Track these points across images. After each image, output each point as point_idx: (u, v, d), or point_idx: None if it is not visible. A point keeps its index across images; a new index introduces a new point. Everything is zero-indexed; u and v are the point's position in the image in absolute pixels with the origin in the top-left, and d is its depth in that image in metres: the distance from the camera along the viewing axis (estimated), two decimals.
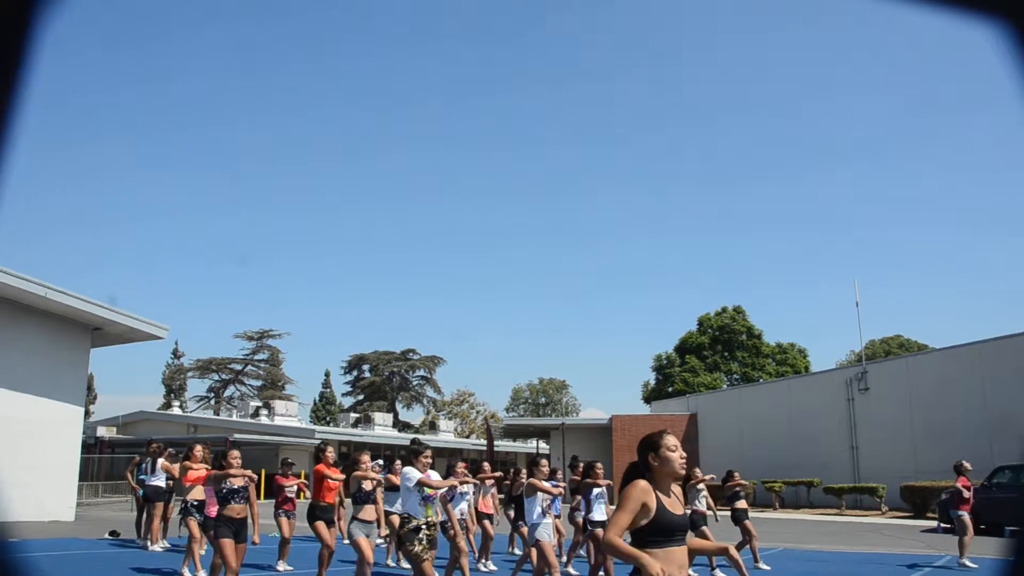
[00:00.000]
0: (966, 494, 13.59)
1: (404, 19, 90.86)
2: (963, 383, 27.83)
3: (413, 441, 8.54)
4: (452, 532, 10.75)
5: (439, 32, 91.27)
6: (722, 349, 53.48)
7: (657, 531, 3.75)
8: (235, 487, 8.30)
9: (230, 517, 8.22)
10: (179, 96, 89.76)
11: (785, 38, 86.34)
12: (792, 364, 52.72)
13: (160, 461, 14.70)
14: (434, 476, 8.05)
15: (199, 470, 11.12)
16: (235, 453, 8.48)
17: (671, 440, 3.92)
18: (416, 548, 7.74)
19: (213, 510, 8.78)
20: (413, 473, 7.88)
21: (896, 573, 13.03)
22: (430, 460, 8.09)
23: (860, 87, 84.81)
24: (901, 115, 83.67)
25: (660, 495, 3.79)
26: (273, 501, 12.65)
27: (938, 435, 27.95)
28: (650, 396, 55.21)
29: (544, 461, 9.84)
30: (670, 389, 51.95)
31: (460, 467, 11.65)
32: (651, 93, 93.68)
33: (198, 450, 11.54)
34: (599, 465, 11.04)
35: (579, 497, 11.62)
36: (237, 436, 36.64)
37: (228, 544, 8.08)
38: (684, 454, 3.92)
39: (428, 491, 7.83)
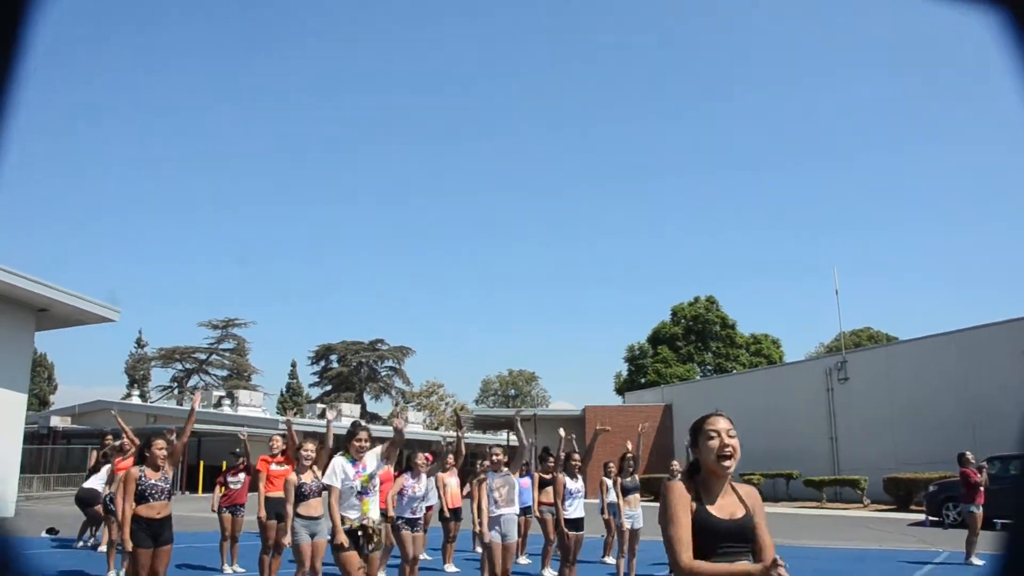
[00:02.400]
0: (978, 485, 12.86)
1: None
2: (943, 372, 27.29)
3: (352, 424, 7.28)
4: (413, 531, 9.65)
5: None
6: (696, 340, 52.88)
7: (696, 541, 2.99)
8: (153, 481, 7.01)
9: (147, 518, 6.92)
10: (149, 86, 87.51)
11: (767, 27, 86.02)
12: (766, 355, 52.27)
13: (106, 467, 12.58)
14: (371, 462, 6.79)
15: (128, 460, 9.80)
16: (160, 443, 7.15)
17: (713, 423, 3.12)
18: (346, 554, 6.49)
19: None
20: (340, 462, 6.70)
21: (900, 570, 12.23)
22: (366, 444, 6.82)
23: (840, 77, 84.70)
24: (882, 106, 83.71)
25: (704, 494, 3.07)
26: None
27: (919, 425, 27.42)
28: (622, 387, 54.48)
29: (498, 450, 8.70)
30: (643, 380, 51.23)
31: (420, 459, 10.06)
32: (627, 83, 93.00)
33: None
34: (576, 456, 9.92)
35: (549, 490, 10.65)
36: (198, 427, 35.30)
37: (142, 554, 6.84)
38: (728, 442, 3.06)
39: (363, 483, 6.65)
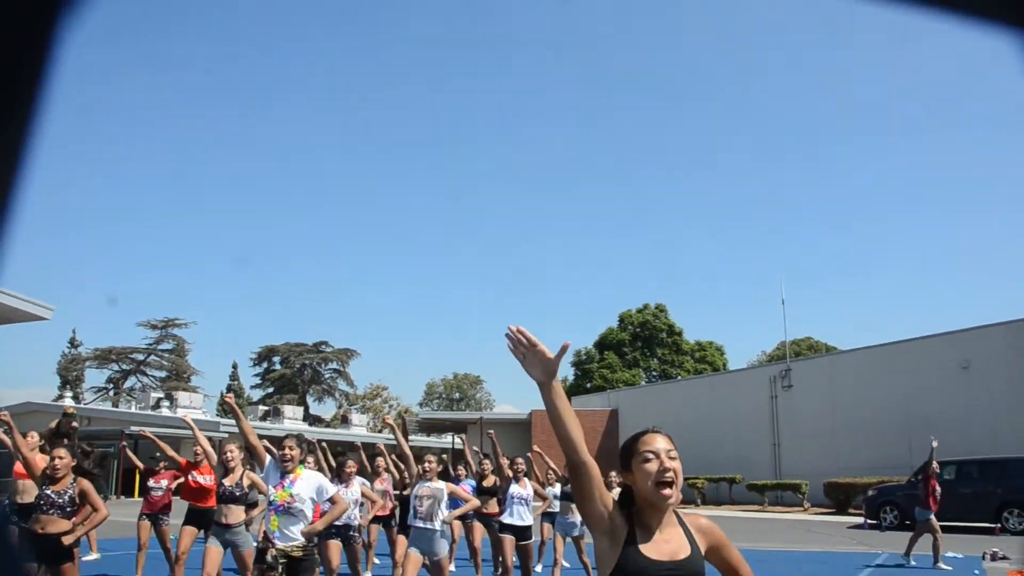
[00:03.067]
0: (936, 492, 13.01)
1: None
2: (884, 382, 27.90)
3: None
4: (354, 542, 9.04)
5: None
6: (642, 346, 53.27)
7: None
8: (48, 492, 6.31)
9: (32, 531, 6.25)
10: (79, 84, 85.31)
11: (711, 24, 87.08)
12: (710, 362, 52.88)
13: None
14: (308, 487, 6.06)
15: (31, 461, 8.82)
16: (60, 452, 6.45)
17: (649, 443, 2.53)
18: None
19: None
20: (271, 462, 6.14)
21: (842, 572, 12.33)
22: (293, 452, 6.06)
23: (784, 74, 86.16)
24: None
25: (638, 529, 2.47)
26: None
27: (859, 433, 27.97)
28: (568, 392, 54.53)
29: (431, 457, 8.09)
30: (588, 385, 51.46)
31: (350, 464, 9.35)
32: (566, 87, 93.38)
33: (32, 436, 9.07)
34: (520, 460, 9.49)
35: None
36: (134, 429, 34.40)
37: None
38: (669, 465, 2.46)
39: (279, 497, 5.95)
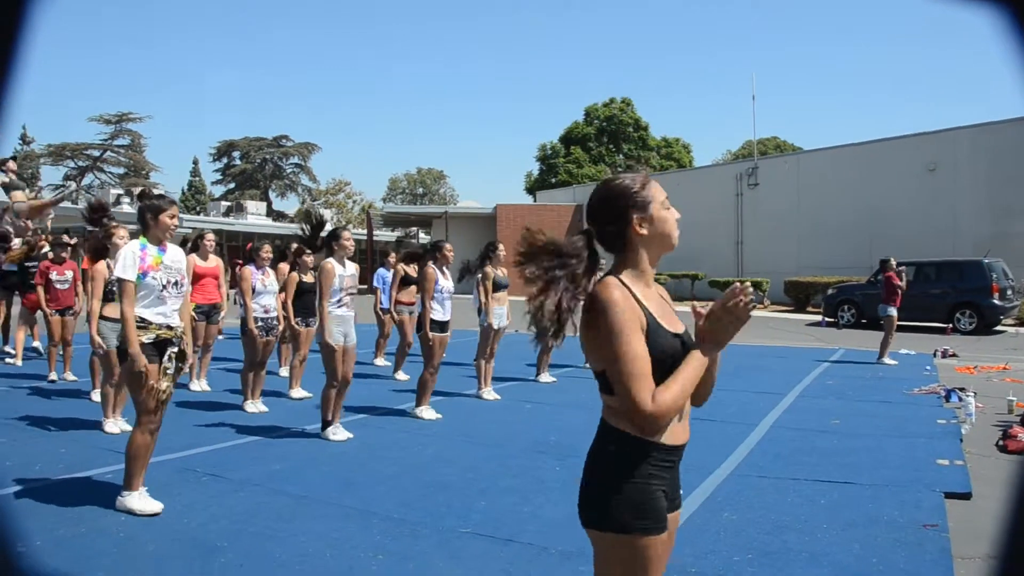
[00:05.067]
0: (899, 288, 13.34)
1: None
2: (848, 182, 27.99)
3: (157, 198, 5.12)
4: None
5: None
6: (608, 141, 52.68)
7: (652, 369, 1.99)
8: None
9: None
10: None
11: None
12: (676, 159, 52.68)
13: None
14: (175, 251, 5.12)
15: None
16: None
17: (661, 191, 2.18)
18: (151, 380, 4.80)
19: None
20: (131, 248, 5.00)
21: (800, 365, 12.82)
22: (172, 220, 4.98)
23: None
24: None
25: (643, 300, 2.06)
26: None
27: (821, 232, 28.40)
28: (533, 187, 54.46)
29: (347, 234, 7.27)
30: (553, 180, 51.28)
31: (265, 249, 8.74)
32: None
33: None
34: (448, 246, 8.56)
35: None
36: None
37: None
38: (678, 214, 2.21)
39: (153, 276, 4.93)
